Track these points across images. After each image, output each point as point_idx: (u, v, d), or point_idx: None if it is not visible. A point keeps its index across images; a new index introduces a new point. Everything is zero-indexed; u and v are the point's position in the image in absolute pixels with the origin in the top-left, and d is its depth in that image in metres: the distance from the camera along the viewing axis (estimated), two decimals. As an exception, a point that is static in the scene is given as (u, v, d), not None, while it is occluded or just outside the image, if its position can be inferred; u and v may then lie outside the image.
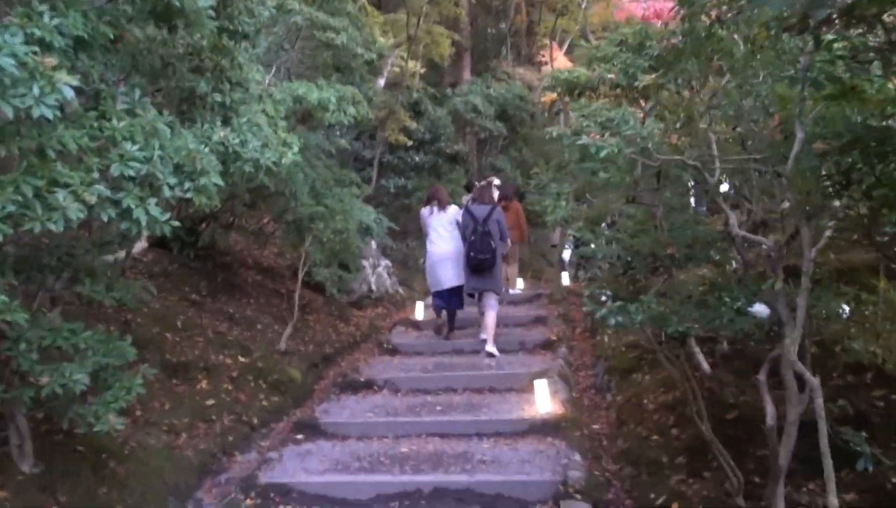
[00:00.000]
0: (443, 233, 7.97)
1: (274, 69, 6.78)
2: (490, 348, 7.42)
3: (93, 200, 2.56)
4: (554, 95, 18.74)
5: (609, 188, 4.59)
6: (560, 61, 17.11)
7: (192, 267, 7.73)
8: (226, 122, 3.57)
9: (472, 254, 7.51)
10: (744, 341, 4.71)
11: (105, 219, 2.70)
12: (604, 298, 3.92)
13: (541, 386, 5.67)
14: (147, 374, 3.60)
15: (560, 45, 17.58)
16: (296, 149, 4.67)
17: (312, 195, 7.21)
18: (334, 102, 5.79)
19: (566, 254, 11.88)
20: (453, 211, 8.03)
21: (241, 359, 6.37)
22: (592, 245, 4.14)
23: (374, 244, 10.74)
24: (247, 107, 3.67)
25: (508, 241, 8.20)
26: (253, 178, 3.65)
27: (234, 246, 9.02)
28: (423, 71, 14.44)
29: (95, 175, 2.67)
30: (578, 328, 9.10)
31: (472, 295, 7.88)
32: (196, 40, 3.55)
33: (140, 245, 5.00)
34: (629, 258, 3.94)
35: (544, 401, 5.61)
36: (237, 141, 3.38)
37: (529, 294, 10.75)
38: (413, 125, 12.99)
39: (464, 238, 7.72)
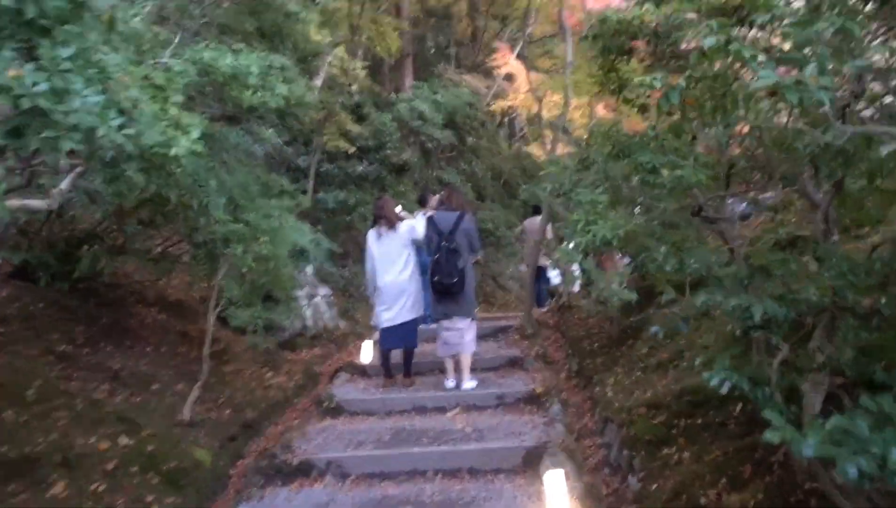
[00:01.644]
0: (395, 258, 6.58)
1: (178, 39, 4.97)
2: (468, 383, 6.40)
3: None
4: (506, 104, 17.53)
5: (675, 193, 3.01)
6: (513, 65, 15.69)
7: (66, 306, 5.77)
8: (31, 52, 1.81)
9: (435, 278, 6.16)
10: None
11: None
12: (716, 381, 2.28)
13: (554, 479, 4.01)
14: None
15: (511, 48, 16.22)
16: (195, 134, 2.96)
17: (230, 209, 5.40)
18: (256, 73, 4.01)
19: (553, 279, 10.33)
20: (405, 229, 6.65)
21: (124, 440, 4.49)
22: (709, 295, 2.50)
23: (310, 270, 8.93)
24: (75, 29, 1.91)
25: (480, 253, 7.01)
26: (111, 164, 1.88)
27: (130, 276, 7.03)
28: (364, 71, 12.70)
29: None
30: (562, 372, 7.50)
31: (436, 321, 6.50)
32: None
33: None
34: (783, 315, 2.33)
35: (559, 501, 3.94)
36: (45, 88, 1.64)
37: (493, 325, 9.12)
38: (355, 129, 11.24)
39: (427, 253, 6.54)
